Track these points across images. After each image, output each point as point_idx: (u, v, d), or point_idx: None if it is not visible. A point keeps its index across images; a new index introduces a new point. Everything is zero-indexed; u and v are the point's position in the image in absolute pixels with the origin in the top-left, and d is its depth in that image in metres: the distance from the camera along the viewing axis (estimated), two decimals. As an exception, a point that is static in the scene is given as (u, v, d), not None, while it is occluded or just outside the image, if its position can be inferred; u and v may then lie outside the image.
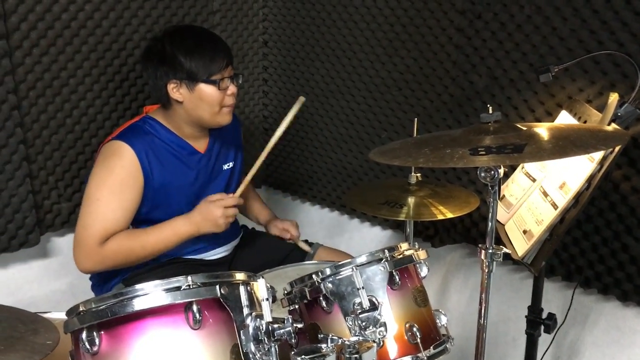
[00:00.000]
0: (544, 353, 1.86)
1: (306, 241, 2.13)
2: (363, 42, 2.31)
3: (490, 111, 1.31)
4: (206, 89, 1.79)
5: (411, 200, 1.79)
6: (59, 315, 1.59)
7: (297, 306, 1.31)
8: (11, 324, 1.09)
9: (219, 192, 1.87)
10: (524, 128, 1.29)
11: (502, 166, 1.21)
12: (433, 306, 1.42)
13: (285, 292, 1.35)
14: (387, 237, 2.50)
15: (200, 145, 1.92)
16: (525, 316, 1.76)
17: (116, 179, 1.75)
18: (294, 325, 1.01)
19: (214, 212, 1.78)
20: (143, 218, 1.84)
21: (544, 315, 1.74)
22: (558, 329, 1.82)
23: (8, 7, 1.89)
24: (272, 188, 2.84)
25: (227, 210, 1.79)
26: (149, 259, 1.79)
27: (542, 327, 1.73)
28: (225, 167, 1.99)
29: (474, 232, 2.16)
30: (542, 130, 1.31)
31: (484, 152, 1.14)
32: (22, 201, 2.03)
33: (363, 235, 2.58)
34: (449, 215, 1.71)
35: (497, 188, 1.28)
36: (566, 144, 1.13)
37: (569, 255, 1.91)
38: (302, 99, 1.89)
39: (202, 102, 1.80)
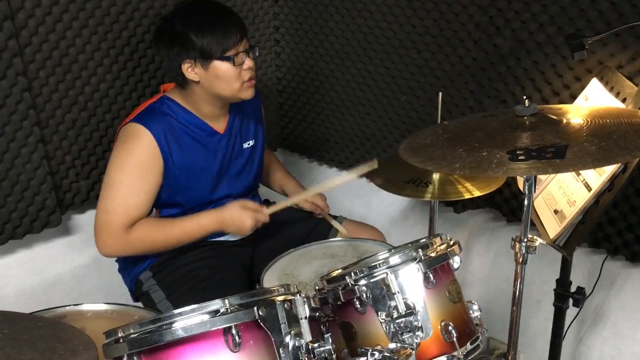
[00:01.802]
0: (571, 323, 1.87)
1: (330, 216, 2.10)
2: (379, 2, 2.21)
3: (527, 104, 1.25)
4: (221, 66, 1.73)
5: (436, 177, 1.76)
6: (91, 307, 1.62)
7: (329, 304, 1.30)
8: (50, 345, 1.09)
9: (253, 202, 1.86)
10: (561, 120, 1.24)
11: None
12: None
13: (317, 288, 1.34)
14: (407, 201, 2.48)
15: (220, 125, 1.87)
16: (554, 289, 1.76)
17: (136, 162, 1.73)
18: (334, 344, 1.00)
19: (245, 220, 1.77)
20: (165, 202, 1.82)
21: (573, 289, 1.73)
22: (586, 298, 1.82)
23: (9, -15, 1.81)
24: (289, 150, 2.81)
25: (258, 222, 1.80)
26: (170, 249, 1.80)
27: (571, 300, 1.72)
28: (246, 145, 1.95)
29: (498, 198, 2.13)
30: (579, 120, 1.26)
31: (523, 157, 1.10)
32: (41, 183, 2.01)
33: (382, 198, 2.55)
34: (476, 193, 1.68)
35: (532, 181, 1.24)
36: (610, 146, 1.08)
37: (598, 223, 1.88)
38: (375, 163, 1.81)
39: (219, 80, 1.74)
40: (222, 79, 1.74)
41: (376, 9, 2.23)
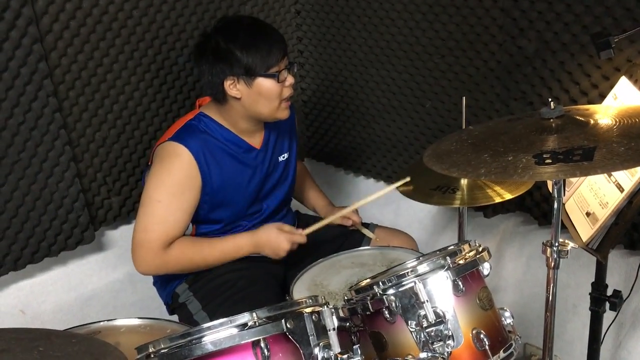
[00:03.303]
0: (609, 327, 1.82)
1: (361, 222, 2.11)
2: (401, 9, 2.21)
3: (552, 106, 1.23)
4: (265, 83, 1.73)
5: (464, 182, 1.74)
6: (125, 322, 1.64)
7: (358, 314, 1.30)
8: (83, 362, 1.11)
9: (289, 225, 1.88)
10: (589, 121, 1.21)
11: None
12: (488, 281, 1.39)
13: (346, 298, 1.34)
14: (437, 207, 2.46)
15: (256, 140, 1.88)
16: (590, 293, 1.72)
17: (174, 180, 1.74)
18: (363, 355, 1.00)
19: (281, 242, 1.79)
20: (203, 218, 1.84)
21: (609, 292, 1.69)
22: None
23: (39, 9, 1.86)
24: (315, 160, 2.81)
25: (293, 244, 1.81)
26: (209, 268, 1.83)
27: (608, 304, 1.68)
28: (281, 158, 1.96)
29: (528, 200, 2.10)
30: (607, 120, 1.23)
31: (550, 161, 1.08)
32: (74, 201, 2.05)
33: (411, 204, 2.51)
34: (507, 196, 1.65)
35: (561, 184, 1.22)
36: (639, 146, 1.06)
37: (632, 224, 1.84)
38: (407, 178, 1.86)
39: (261, 97, 1.75)
40: (265, 95, 1.74)
41: (398, 15, 2.22)
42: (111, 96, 2.09)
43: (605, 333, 1.80)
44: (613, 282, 1.79)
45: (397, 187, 1.84)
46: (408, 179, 1.83)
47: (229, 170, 1.81)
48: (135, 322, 1.62)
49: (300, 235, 1.83)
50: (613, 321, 1.84)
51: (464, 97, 1.76)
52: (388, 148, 2.49)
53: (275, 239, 1.79)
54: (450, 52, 2.13)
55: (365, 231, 2.05)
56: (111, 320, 1.63)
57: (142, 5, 2.07)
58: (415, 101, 2.31)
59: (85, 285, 2.24)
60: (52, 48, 1.91)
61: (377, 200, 1.93)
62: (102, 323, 1.61)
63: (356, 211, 2.05)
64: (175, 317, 1.94)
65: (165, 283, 1.93)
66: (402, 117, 2.38)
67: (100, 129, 2.10)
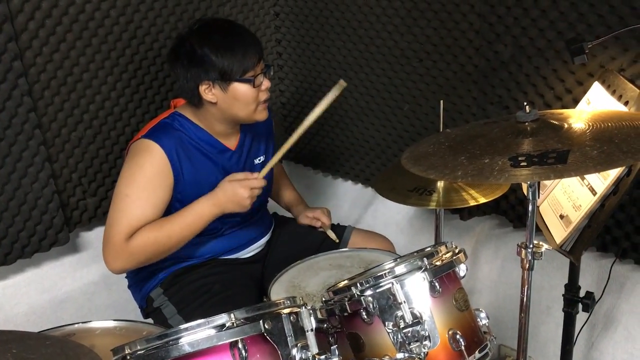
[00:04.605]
0: (581, 328, 1.85)
1: (338, 225, 2.11)
2: (379, 12, 2.22)
3: (527, 110, 1.25)
4: (241, 88, 1.72)
5: (440, 184, 1.76)
6: (100, 324, 1.62)
7: (336, 315, 1.30)
8: (57, 364, 1.09)
9: (241, 173, 1.78)
10: (563, 125, 1.24)
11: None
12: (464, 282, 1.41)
13: (323, 299, 1.35)
14: (414, 209, 2.48)
15: (231, 142, 1.87)
16: (563, 295, 1.75)
17: (145, 176, 1.72)
18: (340, 356, 1.00)
19: (239, 192, 1.71)
20: None
21: (582, 294, 1.72)
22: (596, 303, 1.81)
23: (14, 7, 1.83)
24: (294, 162, 2.81)
25: (253, 190, 1.72)
26: (179, 247, 1.75)
27: (580, 306, 1.71)
28: (257, 161, 1.94)
29: (504, 204, 2.13)
30: (581, 124, 1.26)
31: (525, 163, 1.10)
32: (49, 202, 2.02)
33: (389, 206, 2.55)
34: (481, 200, 1.67)
35: (536, 187, 1.24)
36: (612, 150, 1.08)
37: (605, 227, 1.87)
38: (342, 83, 1.73)
39: (237, 101, 1.73)
40: (241, 100, 1.73)
41: (376, 19, 2.24)
42: (87, 96, 2.07)
43: (578, 334, 1.83)
44: (586, 283, 1.83)
45: (338, 95, 1.71)
46: (344, 84, 1.70)
47: (202, 169, 1.79)
48: (111, 324, 1.60)
49: (257, 179, 1.75)
50: (585, 322, 1.87)
51: (442, 101, 1.78)
52: (366, 150, 2.50)
53: (231, 191, 1.71)
54: (428, 56, 2.15)
55: (330, 233, 2.05)
56: (86, 322, 1.61)
57: (120, 4, 2.05)
58: (393, 104, 2.33)
59: (59, 288, 2.21)
60: (27, 47, 1.88)
61: (320, 115, 1.75)
62: (76, 325, 1.60)
63: (327, 213, 2.06)
64: (150, 320, 1.93)
65: (140, 287, 1.91)
66: (380, 119, 2.39)
67: (76, 129, 2.07)
